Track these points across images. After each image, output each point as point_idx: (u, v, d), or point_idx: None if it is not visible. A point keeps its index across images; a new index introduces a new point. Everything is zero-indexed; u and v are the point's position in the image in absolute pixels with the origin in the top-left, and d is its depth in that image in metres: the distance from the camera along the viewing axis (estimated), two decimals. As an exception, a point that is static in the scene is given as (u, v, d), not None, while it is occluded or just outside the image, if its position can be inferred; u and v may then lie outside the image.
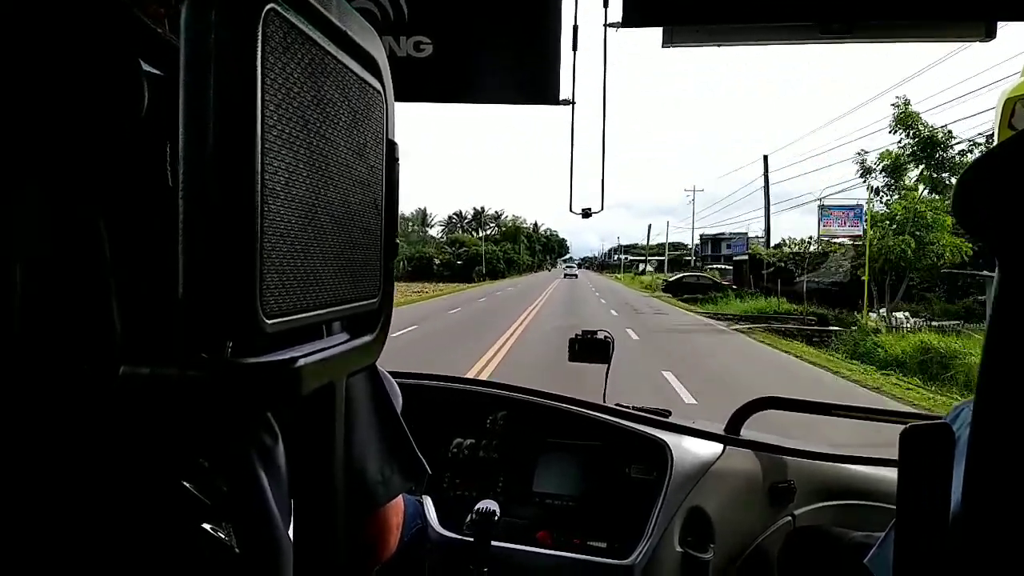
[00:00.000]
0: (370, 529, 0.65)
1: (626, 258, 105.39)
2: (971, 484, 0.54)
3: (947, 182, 15.96)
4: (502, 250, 72.12)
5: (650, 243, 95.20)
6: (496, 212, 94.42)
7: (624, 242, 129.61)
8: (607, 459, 1.43)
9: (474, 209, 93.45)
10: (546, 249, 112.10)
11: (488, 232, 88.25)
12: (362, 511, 0.62)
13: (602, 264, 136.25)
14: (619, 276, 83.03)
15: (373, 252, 0.50)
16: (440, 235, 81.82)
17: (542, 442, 1.49)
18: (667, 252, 73.95)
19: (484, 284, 51.26)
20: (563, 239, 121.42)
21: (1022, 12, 1.24)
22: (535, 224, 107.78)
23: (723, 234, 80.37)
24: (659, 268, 74.06)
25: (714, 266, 49.96)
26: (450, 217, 79.38)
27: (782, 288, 21.97)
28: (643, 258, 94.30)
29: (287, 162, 0.36)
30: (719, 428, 1.48)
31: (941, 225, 14.91)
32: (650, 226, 71.42)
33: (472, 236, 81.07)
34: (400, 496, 0.69)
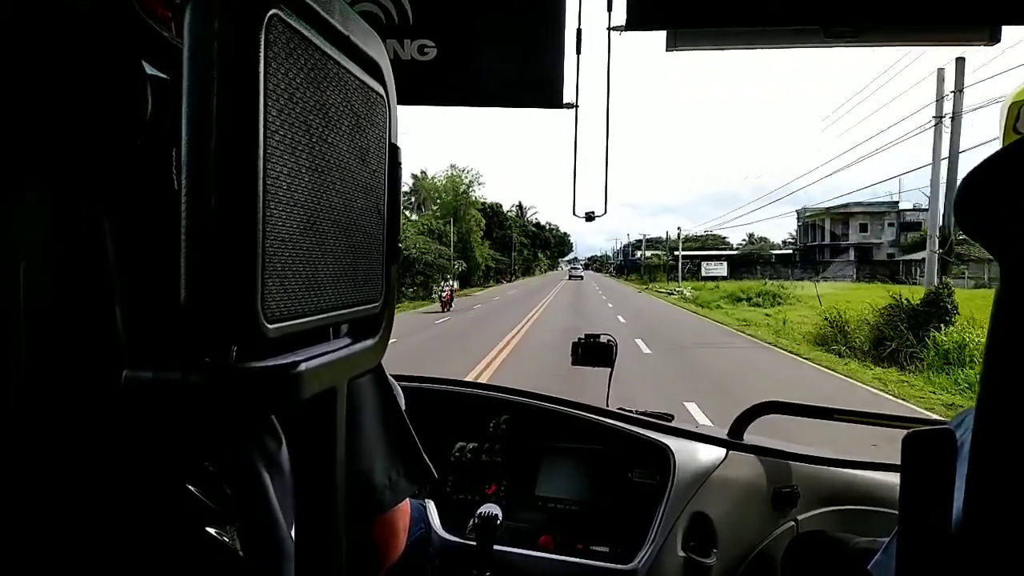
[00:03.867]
0: (377, 533, 0.65)
1: (661, 255, 61.60)
2: (973, 489, 0.53)
3: None
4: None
5: (664, 239, 63.05)
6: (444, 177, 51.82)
7: (630, 240, 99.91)
8: (610, 463, 1.42)
9: (413, 176, 50.97)
10: (536, 243, 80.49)
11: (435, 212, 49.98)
12: (369, 516, 0.62)
13: (624, 266, 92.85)
14: (726, 308, 23.04)
15: (375, 256, 0.50)
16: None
17: (545, 446, 1.48)
18: (679, 243, 46.60)
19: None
20: (565, 233, 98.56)
21: None
22: (519, 205, 76.01)
23: (847, 207, 47.43)
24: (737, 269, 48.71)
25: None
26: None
27: None
28: (711, 252, 63.13)
29: (289, 167, 0.36)
30: (722, 433, 1.48)
31: None
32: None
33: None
34: (407, 500, 0.69)
